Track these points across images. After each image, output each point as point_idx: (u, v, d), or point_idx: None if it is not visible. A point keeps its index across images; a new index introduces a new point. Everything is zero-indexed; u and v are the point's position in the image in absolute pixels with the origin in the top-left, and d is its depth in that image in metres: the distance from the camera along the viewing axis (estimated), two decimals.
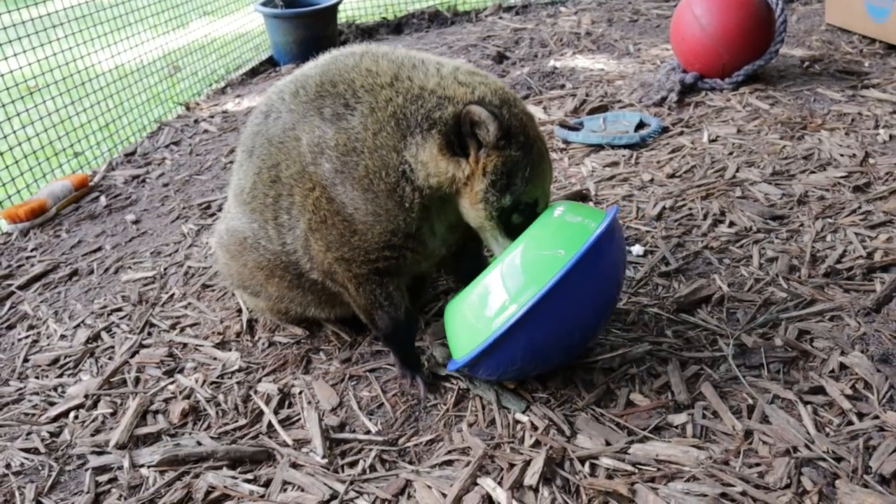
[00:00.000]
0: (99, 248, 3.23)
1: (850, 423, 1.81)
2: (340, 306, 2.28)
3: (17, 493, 1.93)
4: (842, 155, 3.13)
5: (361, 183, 1.90)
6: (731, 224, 2.72)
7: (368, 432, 1.98)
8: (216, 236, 2.41)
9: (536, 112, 3.98)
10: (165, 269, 2.95)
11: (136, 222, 3.44)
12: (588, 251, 1.75)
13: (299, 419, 2.07)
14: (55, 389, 2.33)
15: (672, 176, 3.14)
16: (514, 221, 1.91)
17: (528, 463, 1.77)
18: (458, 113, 1.82)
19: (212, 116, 4.78)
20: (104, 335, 2.58)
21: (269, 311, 2.43)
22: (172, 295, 2.76)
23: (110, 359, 2.44)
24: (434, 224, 2.01)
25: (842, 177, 2.96)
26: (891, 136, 3.26)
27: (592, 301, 1.87)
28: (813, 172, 3.03)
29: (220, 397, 2.19)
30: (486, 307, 1.84)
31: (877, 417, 1.81)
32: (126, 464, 1.97)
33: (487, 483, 1.74)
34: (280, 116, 2.07)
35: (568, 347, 1.96)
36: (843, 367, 1.99)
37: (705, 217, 2.78)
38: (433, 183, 1.87)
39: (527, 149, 1.86)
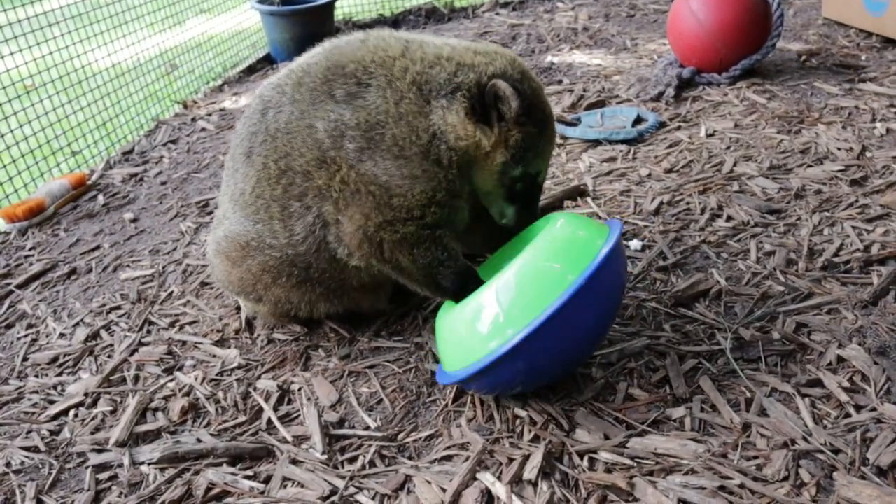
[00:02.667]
0: (97, 247, 3.23)
1: (848, 415, 1.82)
2: (349, 298, 2.26)
3: (17, 492, 1.93)
4: (839, 149, 3.14)
5: (391, 152, 1.90)
6: (729, 218, 2.73)
7: (368, 428, 1.99)
8: (211, 245, 2.35)
9: None
10: (164, 268, 2.95)
11: (134, 221, 3.44)
12: (593, 274, 1.71)
13: (299, 416, 2.08)
14: (55, 388, 2.34)
15: (670, 171, 3.15)
16: (517, 188, 2.01)
17: (527, 457, 1.78)
18: (481, 82, 1.87)
19: (209, 114, 4.78)
20: (103, 333, 2.58)
21: (271, 315, 2.41)
22: (171, 293, 2.77)
23: (110, 357, 2.45)
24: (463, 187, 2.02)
25: (839, 170, 2.97)
26: (888, 130, 3.26)
27: (595, 321, 1.86)
28: (810, 166, 3.04)
29: (220, 394, 2.19)
30: (479, 323, 1.79)
31: (874, 410, 1.82)
32: (126, 461, 1.97)
33: (487, 478, 1.75)
34: (282, 109, 2.05)
35: (567, 364, 1.95)
36: (840, 359, 2.00)
37: (703, 211, 2.79)
38: (461, 146, 1.91)
39: (542, 125, 1.95)
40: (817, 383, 1.93)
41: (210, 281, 2.79)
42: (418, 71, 1.91)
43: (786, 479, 1.66)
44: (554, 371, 1.92)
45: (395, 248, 1.98)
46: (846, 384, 1.91)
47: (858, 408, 1.84)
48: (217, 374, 2.28)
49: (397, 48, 1.96)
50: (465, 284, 1.99)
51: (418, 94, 1.90)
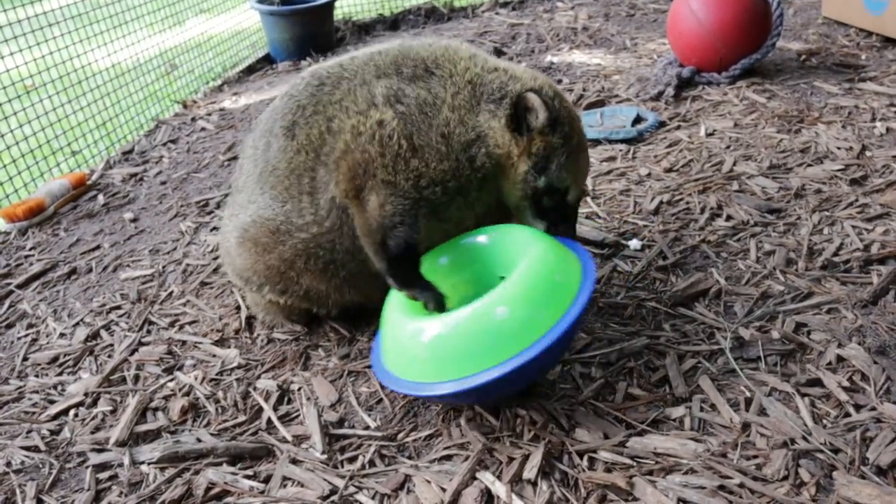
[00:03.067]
0: (97, 247, 3.23)
1: (848, 414, 1.82)
2: (367, 286, 2.21)
3: (17, 491, 1.93)
4: (839, 148, 3.14)
5: (440, 130, 2.00)
6: (729, 218, 2.73)
7: (367, 428, 1.99)
8: (234, 234, 2.28)
9: None
10: (164, 267, 2.95)
11: (134, 220, 3.44)
12: (547, 347, 1.70)
13: (298, 415, 2.08)
14: (55, 387, 2.34)
15: (669, 170, 3.15)
16: (544, 204, 2.04)
17: (526, 457, 1.78)
18: (515, 95, 1.98)
19: (209, 114, 4.78)
20: (103, 333, 2.59)
21: (286, 310, 2.38)
22: (171, 293, 2.77)
23: (110, 357, 2.45)
24: (480, 198, 2.08)
25: (839, 170, 2.97)
26: (888, 129, 3.26)
27: (540, 371, 1.95)
28: (810, 166, 3.04)
29: (220, 394, 2.19)
30: (427, 350, 1.80)
31: (874, 409, 1.82)
32: (126, 461, 1.97)
33: (486, 477, 1.75)
34: (341, 81, 2.12)
35: (512, 389, 1.95)
36: (840, 359, 2.00)
37: (702, 211, 2.79)
38: (497, 153, 2.00)
39: (567, 139, 2.01)
40: (817, 383, 1.93)
41: (210, 281, 2.79)
42: (477, 73, 2.04)
43: (785, 478, 1.66)
44: (504, 392, 1.94)
45: (377, 188, 1.98)
46: (846, 383, 1.91)
47: (858, 407, 1.84)
48: (217, 374, 2.28)
49: (465, 53, 2.11)
50: (406, 250, 2.00)
51: (472, 94, 2.02)
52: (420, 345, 1.80)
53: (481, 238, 2.07)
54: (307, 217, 2.11)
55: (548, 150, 1.98)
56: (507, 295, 1.75)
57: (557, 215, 2.05)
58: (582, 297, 1.78)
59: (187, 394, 2.21)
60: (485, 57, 2.12)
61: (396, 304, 1.95)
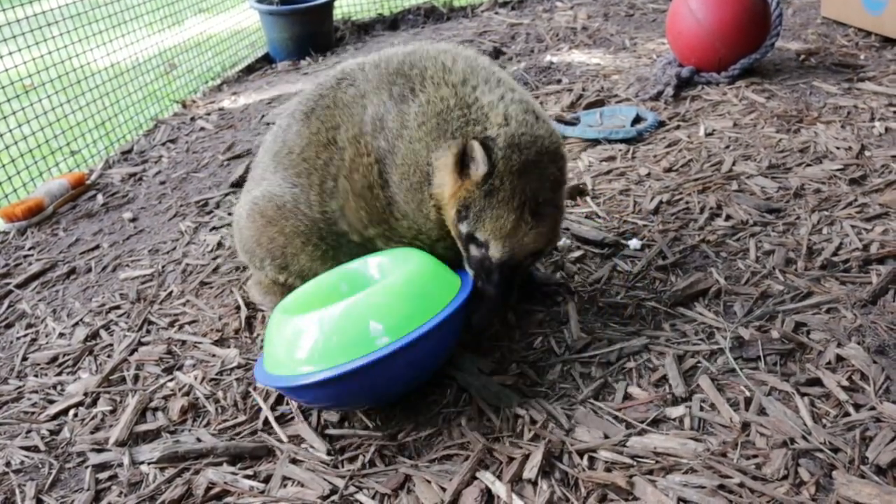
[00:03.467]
0: (97, 247, 3.23)
1: (847, 414, 1.82)
2: None
3: (17, 491, 1.93)
4: (838, 148, 3.14)
5: (399, 169, 2.03)
6: (728, 217, 2.73)
7: (367, 427, 1.99)
8: (245, 206, 2.36)
9: None
10: (163, 267, 2.95)
11: (133, 220, 3.43)
12: (404, 346, 1.76)
13: (298, 415, 2.08)
14: (54, 387, 2.34)
15: (669, 170, 3.15)
16: (472, 253, 2.01)
17: (526, 456, 1.78)
18: (468, 140, 1.91)
19: (208, 114, 4.78)
20: (103, 333, 2.58)
21: (286, 292, 2.36)
22: (171, 292, 2.77)
23: (109, 356, 2.45)
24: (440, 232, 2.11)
25: (838, 169, 2.97)
26: (886, 129, 3.26)
27: (406, 378, 1.94)
28: (809, 165, 3.04)
29: (220, 394, 2.19)
30: (298, 345, 1.84)
31: (873, 408, 1.82)
32: (126, 461, 1.97)
33: (486, 477, 1.75)
34: (354, 83, 2.16)
35: (383, 397, 1.98)
36: (839, 358, 2.00)
37: (702, 211, 2.79)
38: (437, 192, 2.00)
39: (491, 193, 1.91)
40: (816, 382, 1.93)
41: (210, 280, 2.79)
42: (449, 106, 1.99)
43: (785, 477, 1.66)
44: (369, 401, 1.97)
45: (363, 208, 2.13)
46: (845, 383, 1.91)
47: (858, 406, 1.84)
48: (217, 374, 2.28)
49: (458, 75, 2.04)
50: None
51: (435, 127, 2.00)
52: (292, 338, 1.85)
53: (373, 266, 2.15)
54: (315, 210, 2.21)
55: (470, 199, 1.93)
56: (375, 299, 1.83)
57: (482, 269, 2.00)
58: (448, 310, 1.84)
59: (187, 394, 2.21)
60: (475, 83, 2.04)
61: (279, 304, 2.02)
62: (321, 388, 1.80)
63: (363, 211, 2.12)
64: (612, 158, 3.34)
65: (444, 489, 1.74)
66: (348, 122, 2.12)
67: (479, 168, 1.89)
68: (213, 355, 2.37)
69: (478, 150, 1.87)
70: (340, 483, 1.80)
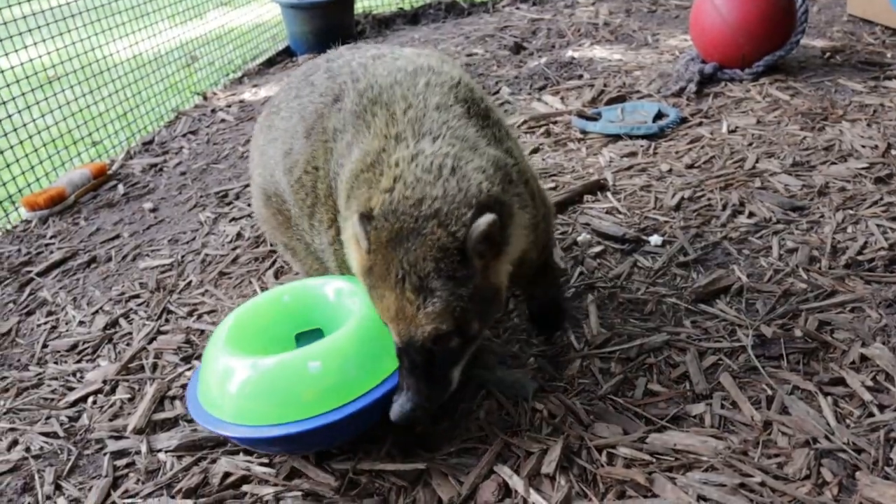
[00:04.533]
0: (117, 236, 3.24)
1: (871, 414, 1.79)
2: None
3: (36, 477, 1.95)
4: (863, 146, 3.09)
5: (326, 203, 1.97)
6: (751, 215, 2.70)
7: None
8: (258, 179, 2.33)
9: (554, 102, 3.96)
10: (183, 257, 2.96)
11: (153, 210, 3.45)
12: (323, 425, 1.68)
13: None
14: (74, 375, 2.35)
15: (691, 166, 3.12)
16: None
17: (545, 451, 1.77)
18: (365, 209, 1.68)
19: (229, 106, 4.79)
20: (122, 321, 2.59)
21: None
22: (190, 282, 2.77)
23: (128, 345, 2.46)
24: None
25: (863, 168, 2.92)
26: None
27: (331, 440, 1.84)
28: (834, 163, 3.00)
29: None
30: (229, 384, 1.78)
31: None
32: (144, 448, 1.98)
33: (504, 471, 1.73)
34: (335, 79, 2.04)
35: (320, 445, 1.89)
36: (864, 358, 1.97)
37: (724, 208, 2.76)
38: (352, 266, 1.81)
39: (371, 272, 1.64)
40: (840, 382, 1.91)
41: (228, 271, 2.80)
42: (369, 164, 1.74)
43: (807, 477, 1.64)
44: (303, 448, 1.88)
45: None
46: (869, 383, 1.88)
47: (882, 407, 1.81)
48: None
49: (402, 124, 1.77)
50: None
51: (351, 189, 1.79)
52: (229, 384, 1.77)
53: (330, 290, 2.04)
54: (306, 237, 2.17)
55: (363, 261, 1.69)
56: (324, 351, 1.74)
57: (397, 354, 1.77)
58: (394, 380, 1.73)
59: None
60: (414, 129, 1.75)
61: (218, 338, 1.91)
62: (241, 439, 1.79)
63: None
64: (633, 154, 3.31)
65: (461, 483, 1.73)
66: (323, 129, 1.98)
67: (361, 243, 1.65)
68: None
69: (360, 228, 1.63)
70: (356, 476, 1.79)
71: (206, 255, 2.95)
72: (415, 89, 1.86)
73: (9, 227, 3.51)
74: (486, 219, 1.55)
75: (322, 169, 1.98)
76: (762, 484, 1.63)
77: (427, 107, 1.80)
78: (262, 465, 1.87)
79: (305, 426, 1.68)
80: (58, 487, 1.91)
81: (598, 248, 2.59)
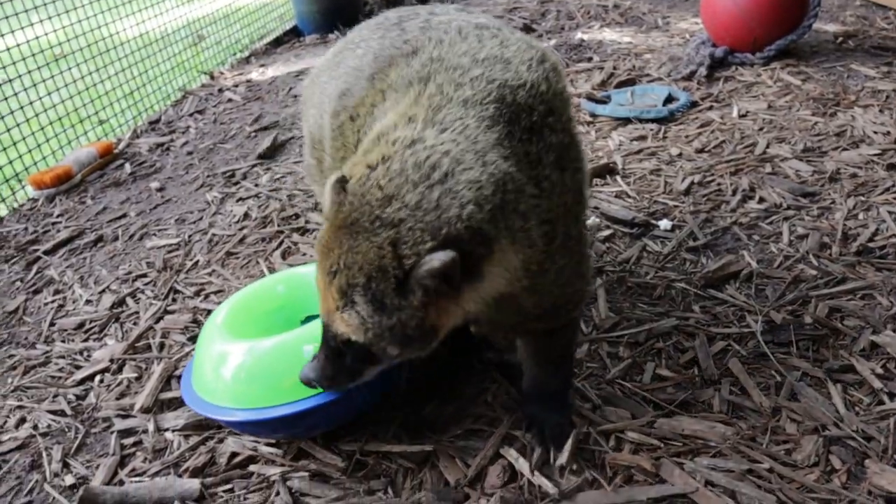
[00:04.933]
0: (124, 215, 3.24)
1: (881, 402, 1.79)
2: None
3: (44, 454, 1.95)
4: (875, 132, 3.06)
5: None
6: (761, 200, 2.68)
7: (392, 400, 1.97)
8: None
9: None
10: (189, 237, 2.95)
11: (160, 190, 3.44)
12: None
13: None
14: (81, 353, 2.35)
15: (701, 151, 3.09)
16: None
17: None
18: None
19: (236, 86, 4.77)
20: (129, 301, 2.59)
21: None
22: (197, 262, 2.77)
23: (135, 324, 2.46)
24: None
25: (875, 154, 2.90)
26: None
27: (327, 422, 1.84)
28: (845, 149, 2.97)
29: None
30: (224, 369, 1.78)
31: None
32: (151, 427, 1.98)
33: (511, 454, 1.73)
34: (410, 65, 1.73)
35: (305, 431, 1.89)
36: (874, 345, 1.96)
37: (734, 193, 2.74)
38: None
39: (315, 247, 1.51)
40: (850, 369, 1.90)
41: (235, 251, 2.79)
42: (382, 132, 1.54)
43: (816, 464, 1.63)
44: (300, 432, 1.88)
45: None
46: (880, 371, 1.87)
47: (892, 395, 1.80)
48: None
49: (420, 107, 1.56)
50: None
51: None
52: (224, 370, 1.78)
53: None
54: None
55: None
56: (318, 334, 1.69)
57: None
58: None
59: None
60: (434, 104, 1.54)
61: (212, 324, 1.91)
62: (239, 425, 1.80)
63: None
64: (642, 138, 3.29)
65: (468, 465, 1.73)
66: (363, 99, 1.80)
67: (324, 207, 1.50)
68: None
69: (328, 185, 1.47)
70: (363, 458, 1.79)
71: (213, 234, 2.94)
72: (463, 78, 1.59)
73: (15, 205, 3.50)
74: (443, 255, 1.32)
75: (362, 118, 1.79)
76: (770, 470, 1.62)
77: (455, 97, 1.55)
78: (269, 445, 1.87)
79: (297, 408, 1.68)
80: (65, 465, 1.92)
81: (607, 232, 2.58)
